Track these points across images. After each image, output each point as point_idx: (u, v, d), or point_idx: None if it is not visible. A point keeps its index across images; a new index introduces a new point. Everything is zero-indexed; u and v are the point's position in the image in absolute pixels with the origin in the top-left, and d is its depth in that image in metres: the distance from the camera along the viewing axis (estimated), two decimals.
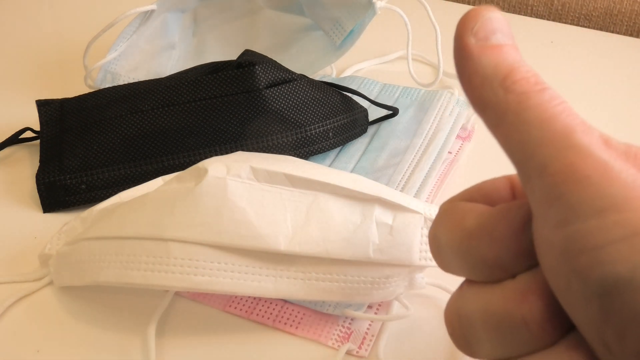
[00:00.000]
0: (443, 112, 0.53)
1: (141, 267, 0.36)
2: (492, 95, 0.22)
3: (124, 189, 0.45)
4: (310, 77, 0.51)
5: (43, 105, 0.51)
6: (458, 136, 0.53)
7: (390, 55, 0.64)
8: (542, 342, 0.22)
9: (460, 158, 0.51)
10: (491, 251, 0.24)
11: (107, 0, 0.74)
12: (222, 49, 0.60)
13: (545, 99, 0.22)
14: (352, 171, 0.49)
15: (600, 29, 0.73)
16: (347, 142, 0.51)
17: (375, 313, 0.39)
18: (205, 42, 0.60)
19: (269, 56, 0.51)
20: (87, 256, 0.38)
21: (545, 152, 0.21)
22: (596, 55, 0.65)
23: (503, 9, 0.77)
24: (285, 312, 0.40)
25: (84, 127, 0.49)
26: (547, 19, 0.75)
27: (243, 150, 0.47)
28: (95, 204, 0.42)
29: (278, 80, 0.49)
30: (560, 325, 0.22)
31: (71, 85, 0.58)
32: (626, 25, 0.73)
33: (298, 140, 0.48)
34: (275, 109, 0.48)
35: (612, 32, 0.73)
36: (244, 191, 0.36)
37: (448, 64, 0.53)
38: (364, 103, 0.53)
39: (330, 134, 0.49)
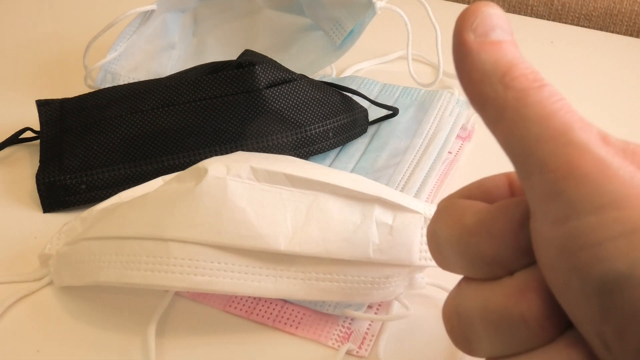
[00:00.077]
0: (443, 112, 0.53)
1: (141, 267, 0.36)
2: (491, 92, 0.22)
3: (124, 189, 0.45)
4: (310, 77, 0.51)
5: (43, 105, 0.51)
6: (458, 136, 0.53)
7: (390, 55, 0.64)
8: (541, 340, 0.22)
9: (460, 158, 0.51)
10: (490, 248, 0.24)
11: (107, 0, 0.74)
12: (222, 49, 0.60)
13: (544, 95, 0.22)
14: (352, 171, 0.49)
15: (600, 29, 0.73)
16: (347, 142, 0.51)
17: (375, 313, 0.39)
18: (205, 42, 0.60)
19: (269, 56, 0.51)
20: (87, 256, 0.38)
21: (544, 149, 0.21)
22: (596, 55, 0.65)
23: (503, 8, 0.76)
24: (285, 312, 0.39)
25: (84, 127, 0.49)
26: (547, 19, 0.75)
27: (243, 150, 0.47)
28: (95, 204, 0.42)
29: (278, 80, 0.49)
30: (559, 322, 0.22)
31: (71, 85, 0.58)
32: (626, 25, 0.73)
33: (298, 140, 0.48)
34: (275, 109, 0.48)
35: (612, 32, 0.73)
36: (244, 191, 0.36)
37: (448, 64, 0.53)
38: (364, 103, 0.53)
39: (330, 134, 0.49)
